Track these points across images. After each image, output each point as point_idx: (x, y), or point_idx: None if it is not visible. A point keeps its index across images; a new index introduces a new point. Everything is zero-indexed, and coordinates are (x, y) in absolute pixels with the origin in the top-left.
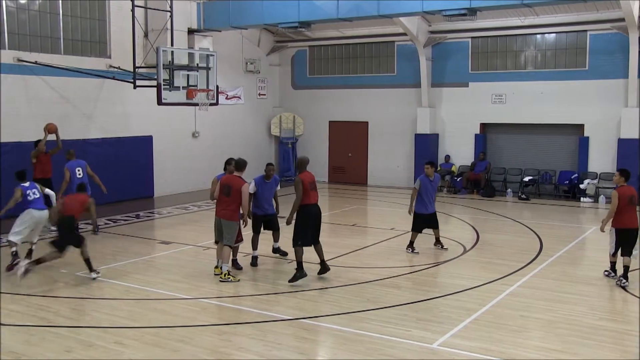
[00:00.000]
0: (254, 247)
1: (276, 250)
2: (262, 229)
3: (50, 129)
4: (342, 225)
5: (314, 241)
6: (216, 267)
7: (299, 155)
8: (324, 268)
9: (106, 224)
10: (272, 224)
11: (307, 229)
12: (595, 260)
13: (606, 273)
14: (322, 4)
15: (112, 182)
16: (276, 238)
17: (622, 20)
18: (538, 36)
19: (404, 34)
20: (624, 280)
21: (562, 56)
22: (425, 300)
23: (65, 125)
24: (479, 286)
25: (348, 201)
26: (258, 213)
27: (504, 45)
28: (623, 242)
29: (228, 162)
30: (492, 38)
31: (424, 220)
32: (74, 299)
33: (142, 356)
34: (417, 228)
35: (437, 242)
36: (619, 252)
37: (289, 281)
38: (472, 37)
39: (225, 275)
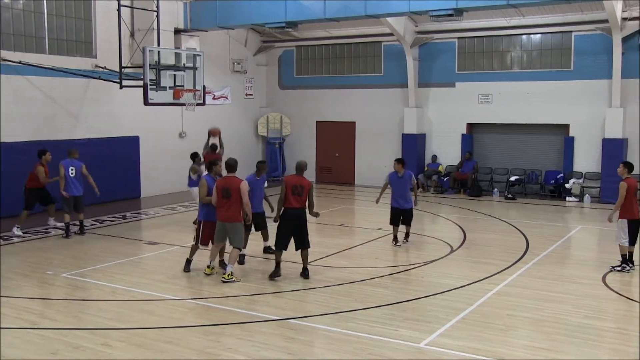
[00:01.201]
0: (244, 245)
1: (267, 249)
2: (252, 227)
3: (214, 132)
4: (330, 225)
5: (299, 246)
6: (208, 266)
7: (286, 155)
8: (303, 274)
9: (92, 224)
10: (260, 223)
11: (283, 233)
12: (581, 259)
13: (619, 268)
14: (309, 4)
15: (98, 182)
16: (265, 237)
17: (606, 21)
18: (524, 37)
19: (391, 34)
20: (632, 265)
21: (547, 56)
22: (412, 299)
23: (51, 126)
24: (466, 285)
25: (335, 201)
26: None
27: (490, 46)
28: (633, 232)
29: (214, 163)
30: (478, 38)
31: (394, 214)
32: (59, 301)
33: (129, 357)
34: (390, 221)
35: (406, 237)
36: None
37: (268, 276)
38: (458, 38)
39: (228, 276)
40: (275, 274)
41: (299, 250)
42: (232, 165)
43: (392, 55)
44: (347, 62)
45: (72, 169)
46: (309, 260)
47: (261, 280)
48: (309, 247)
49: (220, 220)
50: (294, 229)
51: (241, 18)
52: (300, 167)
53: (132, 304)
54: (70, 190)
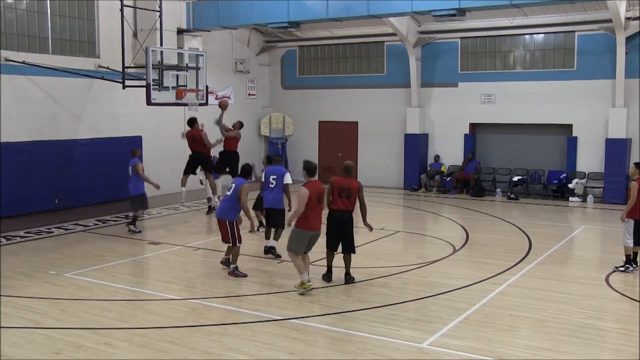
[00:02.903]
0: (267, 237)
1: (269, 249)
2: (266, 222)
3: (222, 104)
4: None
5: (344, 249)
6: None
7: (288, 155)
8: (345, 280)
9: (95, 224)
10: (278, 221)
11: (332, 235)
12: (584, 259)
13: (622, 269)
14: (312, 3)
15: (100, 182)
16: (277, 236)
17: (610, 21)
18: (527, 36)
19: (394, 34)
20: (635, 266)
21: (550, 56)
22: (415, 299)
23: (54, 126)
24: (468, 286)
25: None
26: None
27: (493, 46)
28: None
29: (248, 168)
30: (481, 38)
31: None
32: (62, 300)
33: (132, 357)
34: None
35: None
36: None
37: (322, 276)
38: (461, 38)
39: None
40: (325, 277)
41: (342, 254)
42: (310, 169)
43: (394, 55)
44: (349, 62)
45: (130, 168)
46: (311, 260)
47: (263, 280)
48: (354, 252)
49: (315, 230)
50: (340, 232)
51: (244, 18)
52: (349, 169)
53: (134, 304)
54: (128, 189)
